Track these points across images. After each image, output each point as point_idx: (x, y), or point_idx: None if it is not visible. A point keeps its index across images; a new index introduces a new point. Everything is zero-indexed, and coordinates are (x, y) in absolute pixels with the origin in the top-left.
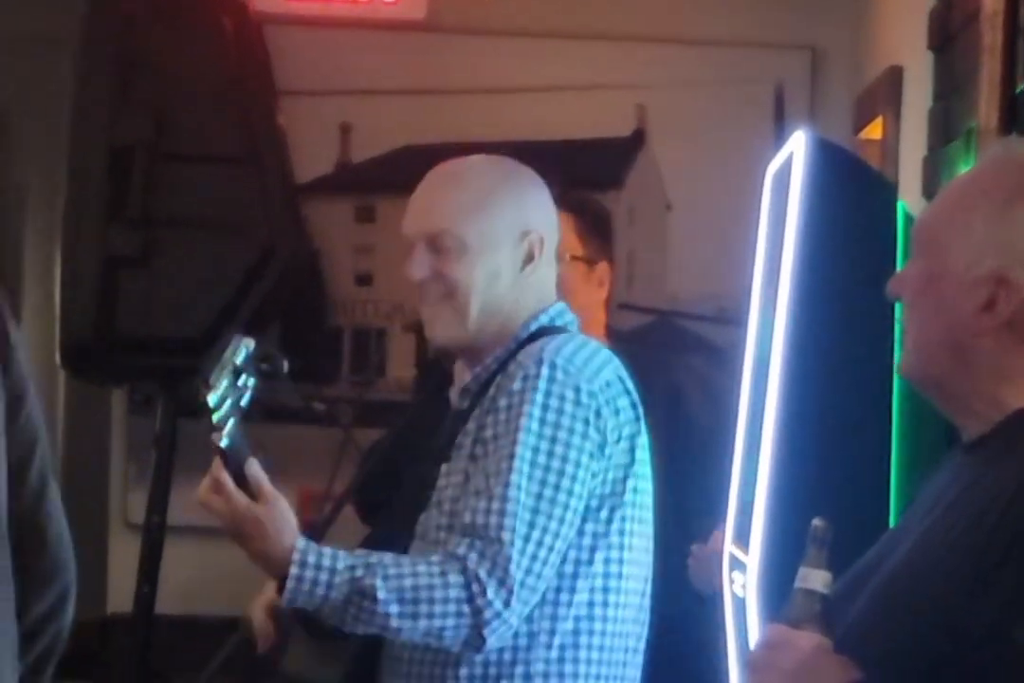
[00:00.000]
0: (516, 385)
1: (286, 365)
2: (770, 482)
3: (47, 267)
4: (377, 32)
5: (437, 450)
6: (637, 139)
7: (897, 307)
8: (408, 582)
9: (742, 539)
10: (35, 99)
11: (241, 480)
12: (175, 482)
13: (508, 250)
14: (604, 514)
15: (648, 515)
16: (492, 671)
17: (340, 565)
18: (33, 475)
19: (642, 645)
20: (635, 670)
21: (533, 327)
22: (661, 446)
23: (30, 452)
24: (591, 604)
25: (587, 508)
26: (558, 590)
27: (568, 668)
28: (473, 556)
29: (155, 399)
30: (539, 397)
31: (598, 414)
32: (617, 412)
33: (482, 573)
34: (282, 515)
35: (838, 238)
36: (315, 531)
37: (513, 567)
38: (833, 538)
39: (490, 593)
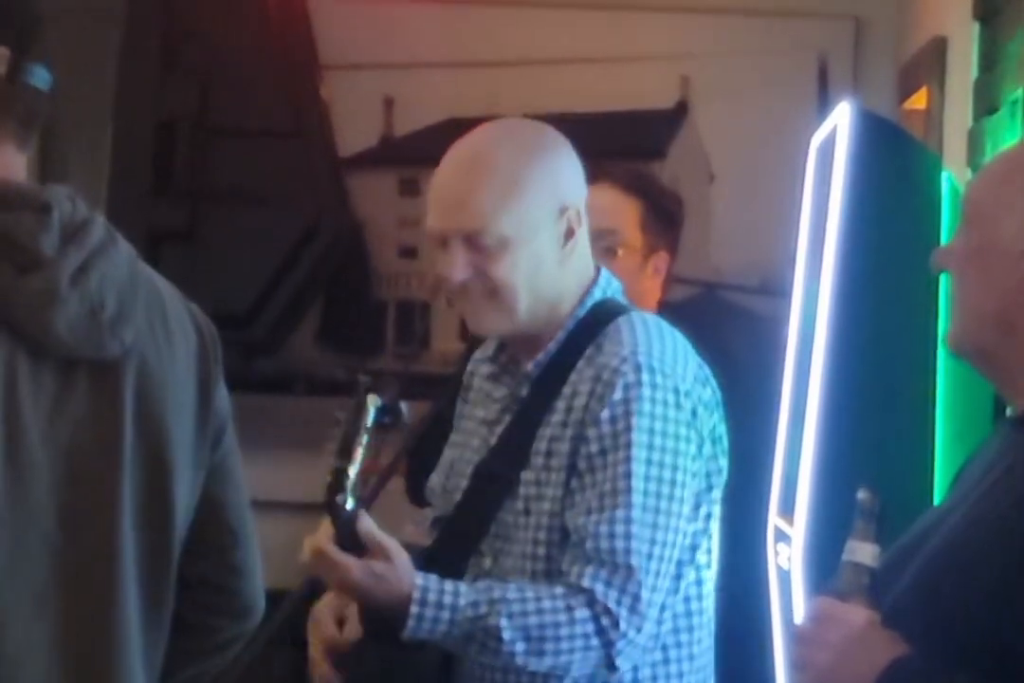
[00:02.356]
0: (617, 395)
1: (406, 412)
2: (815, 454)
3: None
4: (419, 5)
5: (502, 444)
6: (680, 110)
7: (943, 279)
8: (534, 620)
9: (787, 511)
10: (80, 73)
11: (352, 536)
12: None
13: (548, 233)
14: (703, 510)
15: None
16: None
17: (462, 602)
18: (229, 515)
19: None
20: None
21: (589, 303)
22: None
23: (225, 491)
24: (687, 599)
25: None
26: (664, 592)
27: (673, 668)
28: (600, 587)
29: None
30: (645, 406)
31: (694, 414)
32: (707, 407)
33: (612, 604)
34: (402, 565)
35: (883, 209)
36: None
37: (644, 591)
38: (881, 511)
39: (622, 624)
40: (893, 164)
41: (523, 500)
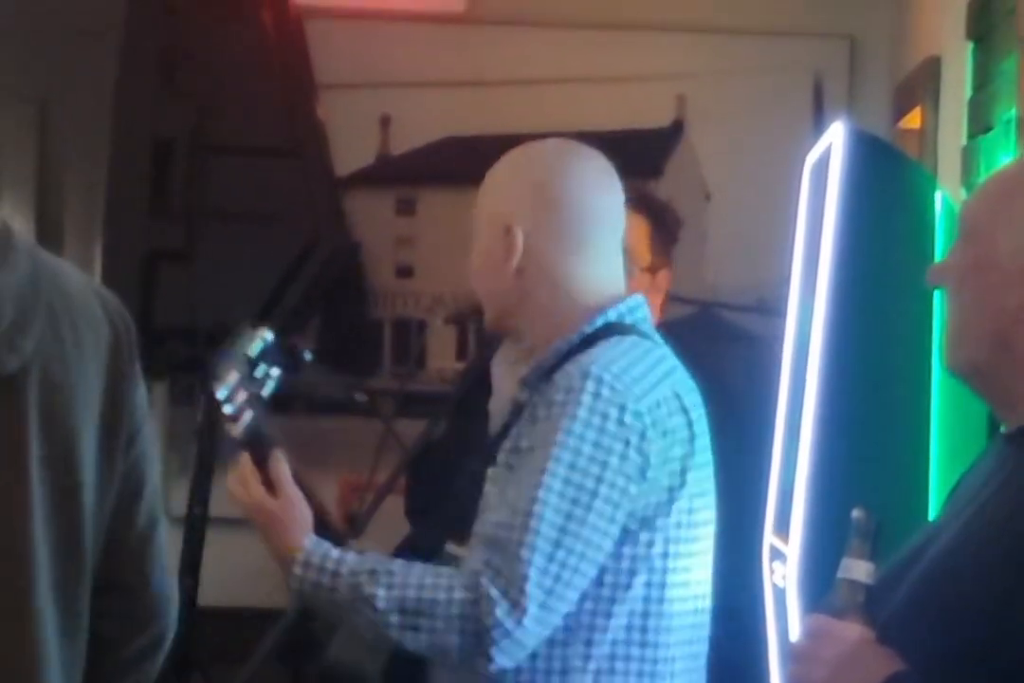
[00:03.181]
0: (559, 397)
1: (308, 355)
2: (810, 472)
3: (88, 260)
4: (416, 24)
5: (488, 446)
6: (676, 129)
7: (938, 295)
8: (412, 593)
9: (782, 529)
10: (77, 92)
11: (265, 472)
12: (217, 473)
13: (494, 244)
14: (644, 537)
15: (704, 532)
16: None
17: (344, 570)
18: (141, 519)
19: (696, 664)
20: None
21: (600, 322)
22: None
23: (137, 495)
24: (629, 628)
25: (625, 531)
26: (593, 614)
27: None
28: (489, 573)
29: (197, 391)
30: (581, 412)
31: (642, 436)
32: (665, 434)
33: (494, 592)
34: (294, 512)
35: (877, 228)
36: (355, 523)
37: (530, 586)
38: (876, 528)
39: (499, 613)
40: (887, 183)
41: (483, 498)
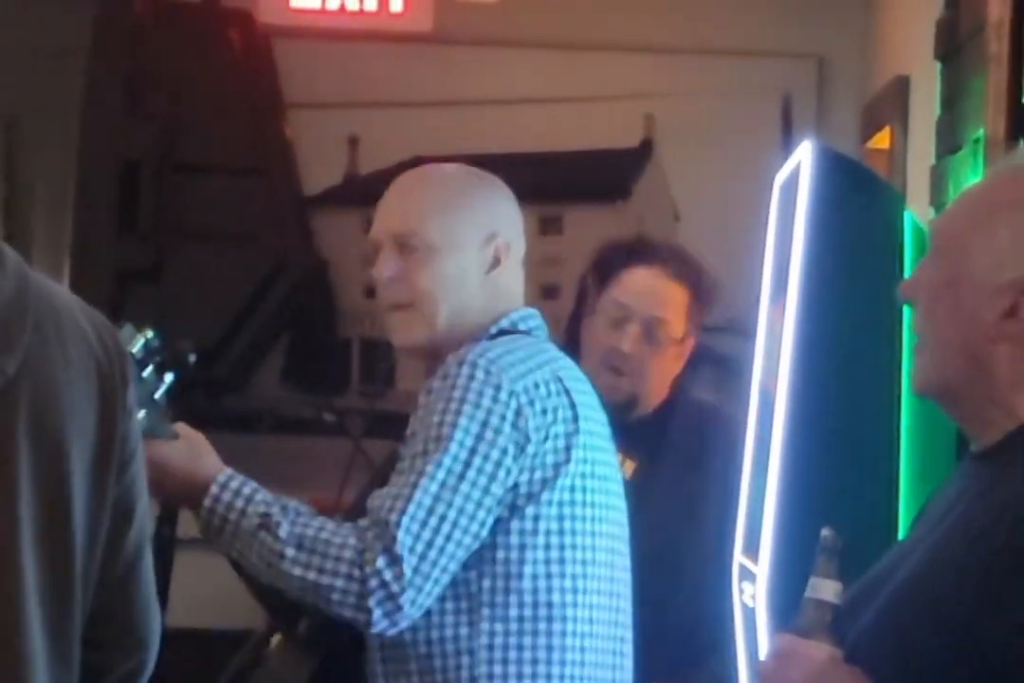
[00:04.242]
0: (436, 383)
1: (192, 357)
2: (779, 492)
3: (57, 279)
4: (384, 44)
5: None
6: (645, 149)
7: (906, 314)
8: (311, 532)
9: (751, 549)
10: (44, 111)
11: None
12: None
13: (474, 252)
14: (531, 511)
15: (604, 514)
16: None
17: (258, 497)
18: (129, 547)
19: (617, 648)
20: (606, 671)
21: (494, 330)
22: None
23: (127, 522)
24: (535, 604)
25: (512, 507)
26: (493, 591)
27: (512, 669)
28: (375, 530)
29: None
30: (456, 393)
31: (518, 412)
32: (544, 412)
33: (377, 545)
34: (203, 444)
35: (845, 248)
36: None
37: (399, 547)
38: (843, 548)
39: (380, 562)
40: (855, 202)
41: None
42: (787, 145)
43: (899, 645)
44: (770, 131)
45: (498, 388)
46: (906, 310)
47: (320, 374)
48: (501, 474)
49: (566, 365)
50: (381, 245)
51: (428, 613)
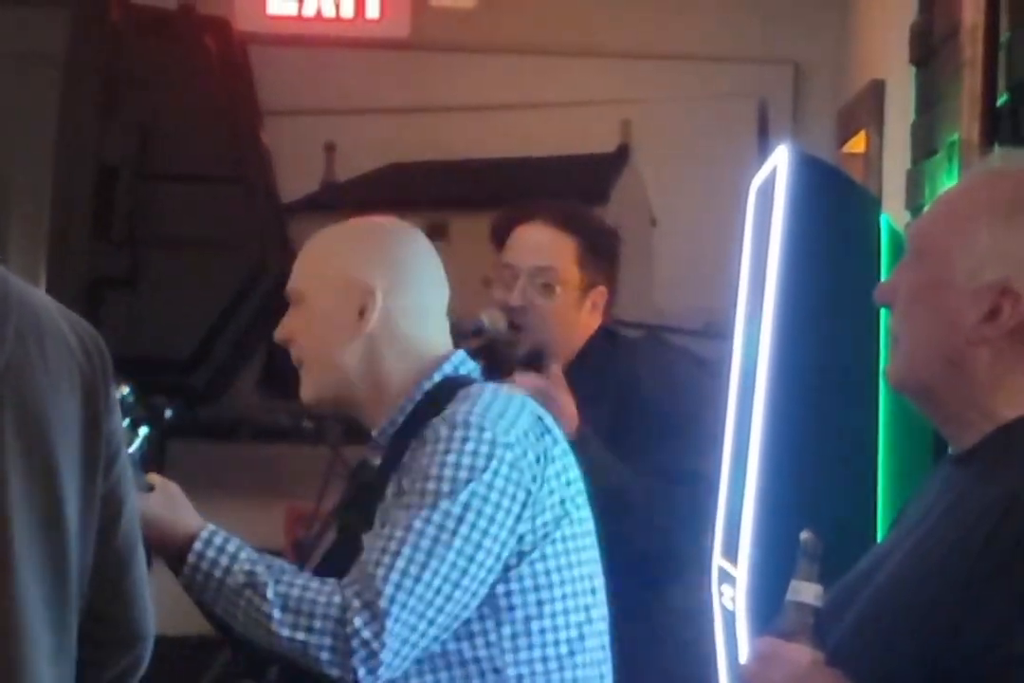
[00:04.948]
0: (428, 447)
1: (169, 412)
2: (758, 495)
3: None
4: (360, 51)
5: (359, 503)
6: (621, 154)
7: (883, 316)
8: (296, 592)
9: (731, 552)
10: (19, 119)
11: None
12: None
13: (343, 306)
14: (537, 554)
15: (588, 528)
16: None
17: (243, 555)
18: (119, 543)
19: (603, 652)
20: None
21: (437, 377)
22: (614, 427)
23: (116, 519)
24: (556, 643)
25: (521, 554)
26: (514, 637)
27: None
28: (356, 587)
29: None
30: (451, 457)
31: (514, 465)
32: (538, 459)
33: (356, 603)
34: (181, 498)
35: (822, 251)
36: (303, 549)
37: (383, 601)
38: (823, 551)
39: (358, 621)
40: (831, 206)
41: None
42: (763, 150)
43: (880, 648)
44: (746, 136)
45: (492, 443)
46: (884, 314)
47: (298, 382)
48: (495, 530)
49: (530, 401)
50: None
51: (449, 667)
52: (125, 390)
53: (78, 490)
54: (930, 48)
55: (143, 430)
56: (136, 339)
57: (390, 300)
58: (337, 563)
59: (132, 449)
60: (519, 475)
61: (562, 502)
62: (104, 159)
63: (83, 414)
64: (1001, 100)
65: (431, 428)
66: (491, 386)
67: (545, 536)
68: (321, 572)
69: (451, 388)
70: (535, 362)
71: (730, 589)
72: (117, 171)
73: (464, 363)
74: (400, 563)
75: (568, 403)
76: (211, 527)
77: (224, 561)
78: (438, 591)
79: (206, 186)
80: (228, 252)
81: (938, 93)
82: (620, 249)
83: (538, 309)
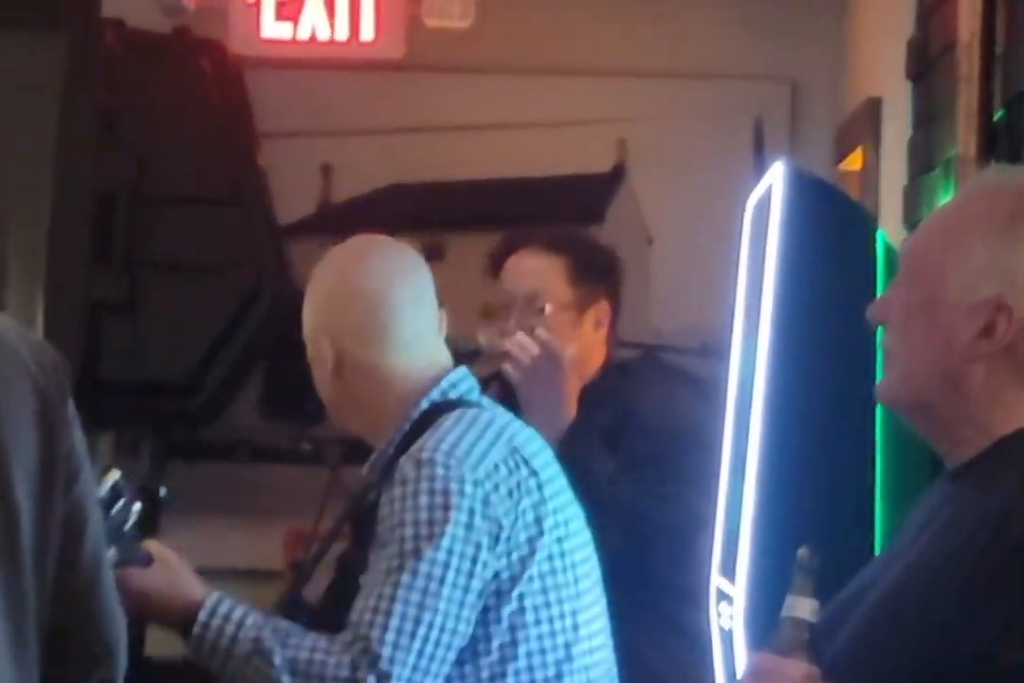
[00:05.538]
0: (396, 491)
1: (163, 492)
2: (755, 514)
3: (31, 312)
4: (356, 72)
5: (356, 537)
6: (617, 173)
7: (879, 333)
8: (304, 655)
9: (728, 571)
10: (18, 145)
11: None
12: (162, 524)
13: (322, 348)
14: (515, 593)
15: (582, 558)
16: None
17: (248, 621)
18: (85, 561)
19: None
20: None
21: (424, 405)
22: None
23: (80, 536)
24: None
25: (498, 593)
26: (491, 679)
27: None
28: (358, 645)
29: (142, 442)
30: (422, 499)
31: (485, 501)
32: (510, 493)
33: (362, 660)
34: (181, 567)
35: (818, 269)
36: (302, 571)
37: (385, 663)
38: (820, 567)
39: (371, 681)
40: (828, 224)
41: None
42: (759, 168)
43: (877, 662)
44: (742, 154)
45: (461, 481)
46: (879, 331)
47: (296, 404)
48: (478, 569)
49: (514, 427)
50: None
51: None
52: (117, 475)
53: (34, 505)
54: (926, 64)
55: (135, 507)
56: (135, 362)
57: (359, 347)
58: (338, 601)
59: (127, 528)
60: (491, 510)
61: (540, 535)
62: (102, 184)
63: (40, 431)
64: (998, 115)
65: (398, 468)
66: (469, 413)
67: (522, 571)
68: (322, 611)
69: (432, 417)
70: None
71: (728, 607)
72: (115, 196)
73: (456, 386)
74: (394, 622)
75: (571, 384)
76: (215, 595)
77: (230, 629)
78: (437, 643)
79: (203, 209)
80: (226, 274)
81: (935, 109)
82: (618, 263)
83: (531, 330)
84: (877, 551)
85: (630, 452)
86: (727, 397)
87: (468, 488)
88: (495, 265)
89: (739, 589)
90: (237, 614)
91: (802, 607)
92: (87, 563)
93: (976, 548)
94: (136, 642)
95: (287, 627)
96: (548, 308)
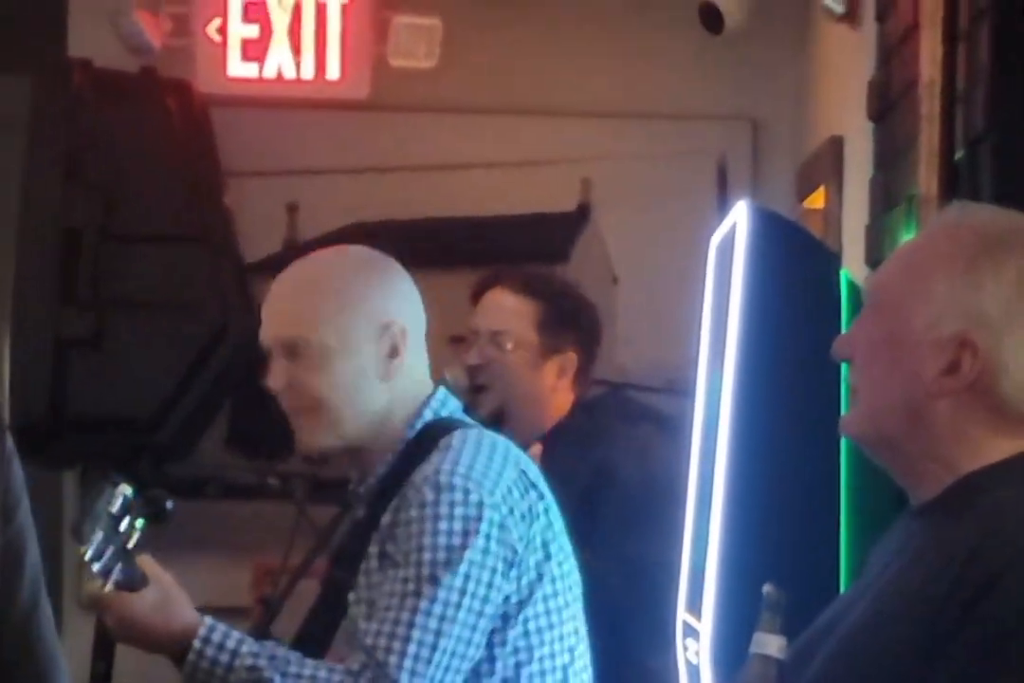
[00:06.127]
0: (413, 513)
1: (170, 504)
2: (721, 549)
3: None
4: (321, 111)
5: (344, 557)
6: (582, 213)
7: (844, 371)
8: None
9: (695, 606)
10: None
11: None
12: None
13: (371, 347)
14: (521, 616)
15: (573, 581)
16: None
17: (244, 649)
18: (24, 595)
19: None
20: None
21: (418, 425)
22: (584, 509)
23: (18, 570)
24: None
25: (505, 616)
26: None
27: None
28: (369, 673)
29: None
30: (442, 525)
31: (502, 526)
32: (524, 516)
33: None
34: (178, 594)
35: (782, 307)
36: (270, 607)
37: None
38: (786, 603)
39: None
40: (791, 262)
41: (351, 605)
42: (723, 207)
43: None
44: (706, 193)
45: (480, 506)
46: (844, 368)
47: (263, 440)
48: (493, 594)
49: (515, 448)
50: (270, 350)
51: None
52: (128, 491)
53: None
54: (888, 104)
55: (139, 523)
56: (102, 399)
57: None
58: (323, 619)
59: (131, 544)
60: (507, 535)
61: (547, 559)
62: (68, 222)
63: None
64: (959, 155)
65: (413, 488)
66: (473, 434)
67: (530, 595)
68: (307, 630)
69: (433, 436)
70: (497, 422)
71: (694, 643)
72: (81, 234)
73: (445, 403)
74: (412, 648)
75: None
76: (209, 622)
77: (225, 659)
78: (448, 668)
79: (169, 247)
80: (191, 312)
81: (896, 148)
82: (591, 314)
83: (493, 365)
84: (843, 587)
85: (607, 516)
86: (692, 434)
87: (487, 513)
88: (474, 296)
89: (705, 624)
90: (231, 643)
91: (770, 644)
92: (25, 596)
93: (943, 586)
94: (103, 678)
95: (285, 654)
96: (510, 345)
